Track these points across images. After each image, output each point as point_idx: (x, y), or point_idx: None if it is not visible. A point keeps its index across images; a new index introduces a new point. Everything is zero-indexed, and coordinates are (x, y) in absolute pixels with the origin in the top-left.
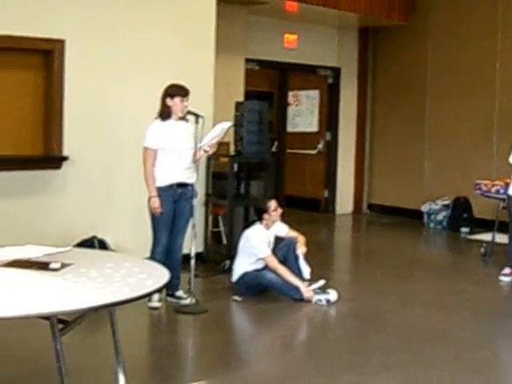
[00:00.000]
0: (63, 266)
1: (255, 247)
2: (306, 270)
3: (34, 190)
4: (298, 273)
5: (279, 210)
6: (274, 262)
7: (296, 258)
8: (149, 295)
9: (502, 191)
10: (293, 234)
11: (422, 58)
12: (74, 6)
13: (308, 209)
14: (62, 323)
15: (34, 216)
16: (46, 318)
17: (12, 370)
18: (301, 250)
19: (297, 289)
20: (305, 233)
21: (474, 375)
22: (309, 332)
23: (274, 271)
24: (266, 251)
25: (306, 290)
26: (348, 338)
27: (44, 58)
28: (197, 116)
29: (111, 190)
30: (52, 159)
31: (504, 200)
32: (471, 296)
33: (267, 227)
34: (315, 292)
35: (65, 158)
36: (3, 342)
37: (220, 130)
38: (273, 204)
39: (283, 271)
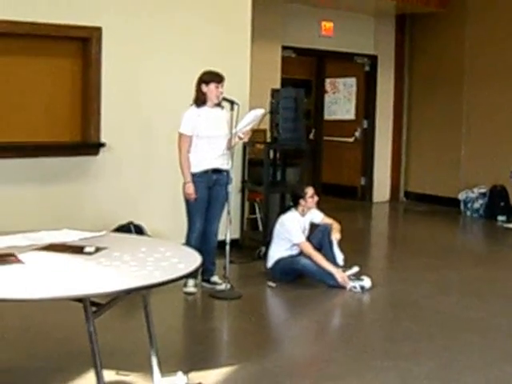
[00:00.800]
0: (97, 249)
1: (290, 233)
2: (339, 257)
3: (72, 176)
4: (332, 259)
5: (315, 198)
6: (309, 248)
7: (330, 244)
8: (180, 279)
9: None
10: (328, 220)
11: (459, 44)
12: None
13: (345, 196)
14: (95, 306)
15: (72, 201)
16: (79, 300)
17: (49, 351)
18: (335, 236)
19: (331, 275)
20: (341, 220)
21: (507, 363)
22: (342, 318)
23: (308, 257)
24: (300, 237)
25: (341, 276)
26: (381, 324)
27: (82, 45)
28: (232, 103)
29: (148, 176)
30: (90, 146)
31: None
32: (507, 284)
33: (302, 214)
34: (350, 278)
35: (102, 145)
36: (41, 324)
37: (253, 116)
38: (310, 191)
39: (318, 257)
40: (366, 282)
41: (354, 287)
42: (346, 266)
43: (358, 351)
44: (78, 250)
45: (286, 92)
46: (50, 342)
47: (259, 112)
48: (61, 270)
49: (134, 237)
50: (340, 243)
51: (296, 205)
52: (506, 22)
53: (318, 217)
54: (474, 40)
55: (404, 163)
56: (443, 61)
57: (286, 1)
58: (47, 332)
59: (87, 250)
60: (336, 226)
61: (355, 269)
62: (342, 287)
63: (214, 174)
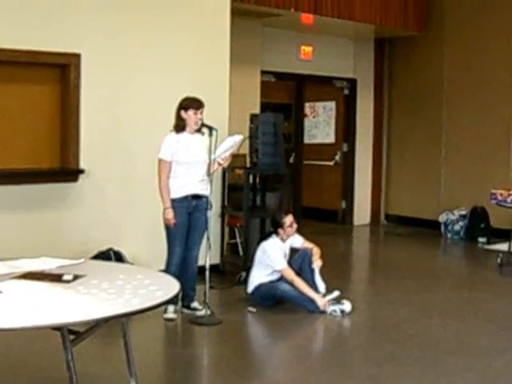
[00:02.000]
0: (76, 277)
1: (271, 260)
2: (321, 286)
3: (51, 203)
4: (312, 284)
5: (294, 226)
6: (291, 274)
7: (312, 271)
8: (158, 306)
9: None
10: (308, 245)
11: (438, 67)
12: (89, 20)
13: (325, 220)
14: (73, 334)
15: (50, 228)
16: (57, 328)
17: (28, 378)
18: (316, 263)
19: (311, 300)
20: (322, 244)
21: None
22: (323, 343)
23: (290, 283)
24: (282, 264)
25: (322, 302)
26: (363, 348)
27: (60, 71)
28: (210, 129)
29: (127, 202)
30: (69, 172)
31: None
32: (488, 306)
33: (283, 240)
34: (330, 303)
35: (81, 171)
36: (18, 352)
37: (232, 142)
38: (288, 220)
39: (299, 283)
40: (347, 305)
41: (334, 311)
42: (327, 289)
43: (340, 375)
44: (56, 278)
45: (264, 117)
46: (28, 369)
47: (237, 138)
48: (39, 299)
49: (112, 264)
50: (321, 268)
51: (276, 231)
52: (482, 42)
53: (298, 241)
54: (452, 62)
55: (384, 186)
56: (422, 83)
57: (265, 25)
58: (26, 360)
59: (65, 278)
60: (316, 251)
61: (336, 293)
62: (322, 312)
63: (194, 200)
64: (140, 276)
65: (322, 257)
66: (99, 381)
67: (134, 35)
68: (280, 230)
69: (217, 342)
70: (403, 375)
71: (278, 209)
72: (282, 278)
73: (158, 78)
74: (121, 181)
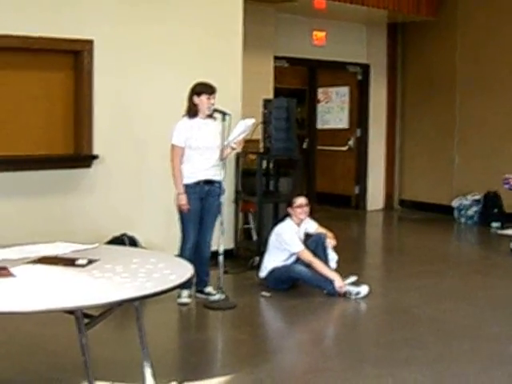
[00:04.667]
0: (90, 262)
1: (287, 242)
2: (333, 258)
3: (65, 189)
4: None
5: (305, 209)
6: (309, 256)
7: (324, 250)
8: (171, 290)
9: None
10: (322, 230)
11: (451, 52)
12: (102, 6)
13: (339, 205)
14: (87, 318)
15: (64, 214)
16: (72, 312)
17: (42, 363)
18: (329, 241)
19: (328, 281)
20: (336, 229)
21: (500, 370)
22: (337, 327)
23: (308, 264)
24: (299, 245)
25: (339, 282)
26: (377, 332)
27: (73, 58)
28: (223, 114)
29: (141, 187)
30: (82, 158)
31: None
32: (501, 291)
33: (297, 223)
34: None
35: (95, 157)
36: (35, 336)
37: (244, 126)
38: (298, 200)
39: (318, 264)
40: (363, 289)
41: (351, 295)
42: (344, 275)
43: (353, 360)
44: (70, 262)
45: (278, 102)
46: (42, 354)
47: (250, 122)
48: (53, 283)
49: (126, 248)
50: (335, 251)
51: (287, 212)
52: (496, 28)
53: (312, 226)
54: (465, 47)
55: (398, 171)
56: (435, 68)
57: (278, 11)
58: (40, 345)
59: (79, 262)
60: (330, 235)
61: (353, 278)
62: (338, 295)
63: (207, 185)
64: (154, 260)
65: (336, 242)
66: (113, 365)
67: (146, 23)
68: (289, 209)
69: (231, 326)
70: (415, 360)
71: (292, 193)
72: (297, 261)
73: (170, 64)
74: (134, 166)
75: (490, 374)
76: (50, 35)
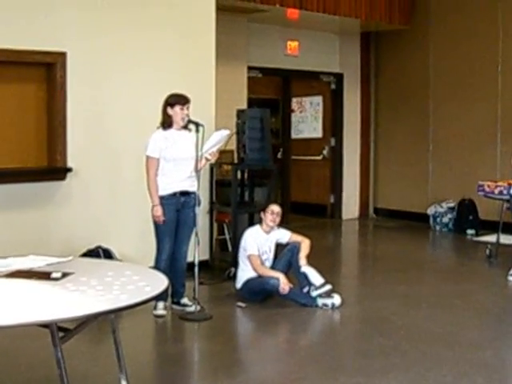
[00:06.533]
0: (64, 275)
1: (245, 245)
2: (317, 281)
3: (39, 202)
4: (301, 279)
5: (276, 217)
6: (256, 262)
7: (299, 267)
8: (146, 302)
9: (505, 192)
10: (296, 238)
11: (424, 61)
12: (74, 18)
13: (314, 214)
14: (62, 331)
15: (39, 227)
16: (46, 326)
17: (16, 377)
18: (301, 263)
19: (302, 294)
20: (311, 238)
21: (478, 376)
22: (313, 336)
23: (254, 271)
24: (252, 249)
25: (284, 283)
26: (352, 341)
27: (46, 70)
28: (197, 125)
29: (115, 199)
30: (56, 171)
31: (508, 201)
32: (477, 297)
33: (266, 231)
34: (320, 296)
35: (69, 170)
36: (8, 351)
37: (219, 137)
38: (272, 206)
39: (262, 270)
40: (336, 299)
41: (326, 305)
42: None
43: (330, 368)
44: (44, 275)
45: (251, 112)
46: (18, 368)
47: (224, 133)
48: (27, 297)
49: (100, 261)
50: (310, 261)
51: (260, 217)
52: (469, 36)
53: (284, 236)
54: (438, 55)
55: (372, 180)
56: (409, 77)
57: (251, 21)
58: (15, 358)
59: (54, 275)
60: (305, 246)
61: (327, 287)
62: (312, 306)
63: (182, 197)
64: (128, 272)
65: (311, 251)
66: (89, 378)
67: (119, 33)
68: (261, 214)
69: (207, 337)
70: (392, 368)
71: (267, 203)
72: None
73: (144, 75)
74: (108, 179)
75: (468, 380)
76: (23, 48)
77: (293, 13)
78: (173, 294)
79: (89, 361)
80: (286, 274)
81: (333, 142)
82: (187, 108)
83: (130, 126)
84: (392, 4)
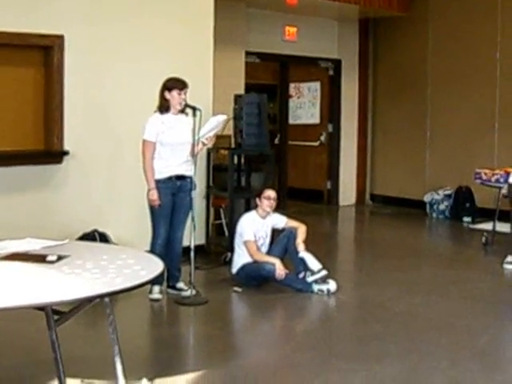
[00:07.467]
0: (60, 258)
1: (241, 230)
2: (315, 266)
3: (36, 185)
4: (297, 265)
5: (272, 202)
6: (253, 249)
7: (296, 251)
8: (141, 286)
9: (501, 180)
10: (292, 223)
11: (422, 48)
12: (72, 1)
13: (311, 200)
14: (57, 314)
15: (35, 211)
16: (41, 309)
17: (11, 360)
18: (300, 248)
19: (298, 280)
20: (307, 224)
21: (474, 362)
22: (309, 322)
23: (251, 257)
24: (248, 235)
25: (280, 268)
26: (348, 326)
27: (43, 53)
28: (194, 109)
29: (112, 183)
30: (53, 154)
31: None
32: (473, 284)
33: (263, 216)
34: (316, 282)
35: (66, 153)
36: (4, 333)
37: (216, 122)
38: (267, 192)
39: (259, 256)
40: (332, 285)
41: (321, 290)
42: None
43: (325, 354)
44: (40, 258)
45: (249, 98)
46: (12, 350)
47: (221, 118)
48: (23, 279)
49: (96, 244)
50: (306, 247)
51: (255, 203)
52: (467, 23)
53: (281, 221)
54: (436, 42)
55: (369, 166)
56: (407, 64)
57: (249, 6)
58: (10, 341)
59: (49, 258)
60: (301, 231)
61: (323, 272)
62: (308, 292)
63: (178, 181)
64: (124, 256)
65: (308, 237)
66: (84, 361)
67: (117, 17)
68: (257, 200)
69: (202, 322)
70: (388, 354)
71: (263, 188)
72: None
73: (142, 59)
74: (105, 162)
75: (463, 367)
76: (20, 30)
77: None
78: (168, 278)
79: (84, 344)
80: (282, 259)
81: (330, 128)
82: (185, 93)
83: (128, 109)
84: None
